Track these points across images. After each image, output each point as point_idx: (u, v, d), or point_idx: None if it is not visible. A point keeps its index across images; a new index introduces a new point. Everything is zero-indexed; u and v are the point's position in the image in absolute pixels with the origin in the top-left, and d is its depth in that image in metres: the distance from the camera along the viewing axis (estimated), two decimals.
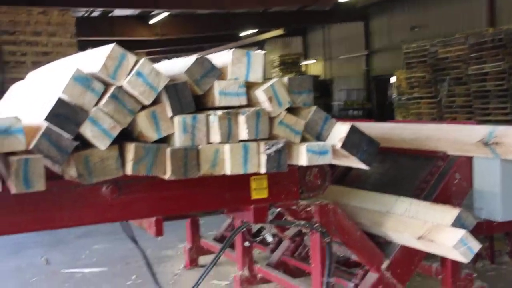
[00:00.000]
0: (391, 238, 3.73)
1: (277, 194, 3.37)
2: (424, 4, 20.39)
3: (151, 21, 20.81)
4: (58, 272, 5.48)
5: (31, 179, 2.37)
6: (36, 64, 12.14)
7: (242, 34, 26.05)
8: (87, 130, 2.50)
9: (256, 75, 2.97)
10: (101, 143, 2.53)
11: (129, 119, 2.61)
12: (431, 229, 3.42)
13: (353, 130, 3.08)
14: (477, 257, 5.08)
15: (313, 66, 28.56)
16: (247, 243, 4.49)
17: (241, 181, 3.23)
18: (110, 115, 2.55)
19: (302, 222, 3.55)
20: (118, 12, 20.47)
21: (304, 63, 27.94)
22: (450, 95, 13.35)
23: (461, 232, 3.26)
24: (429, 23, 20.15)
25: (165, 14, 19.63)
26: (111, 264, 5.64)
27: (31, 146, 2.39)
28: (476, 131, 3.82)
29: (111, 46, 2.57)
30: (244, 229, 4.37)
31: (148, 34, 21.54)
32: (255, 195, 3.31)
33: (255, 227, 4.83)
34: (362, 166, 3.17)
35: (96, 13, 20.87)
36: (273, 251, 4.84)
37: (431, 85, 14.00)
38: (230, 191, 3.25)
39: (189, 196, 3.16)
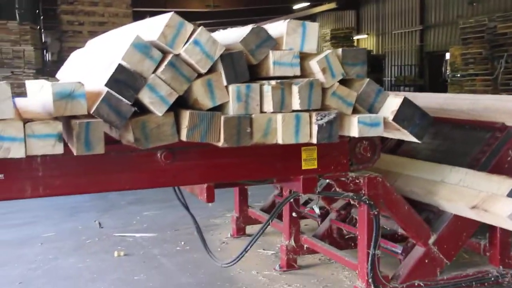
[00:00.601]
0: (444, 208, 3.73)
1: (326, 165, 3.42)
2: None
3: None
4: (111, 235, 5.69)
5: (92, 142, 2.48)
6: (93, 34, 12.42)
7: (295, 7, 25.80)
8: (145, 97, 2.59)
9: (311, 46, 2.99)
10: (158, 110, 2.62)
11: (185, 86, 2.68)
12: (485, 198, 3.40)
13: (405, 103, 3.08)
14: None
15: (365, 40, 28.07)
16: (294, 214, 4.54)
17: (292, 151, 3.30)
18: (167, 82, 2.63)
19: (351, 194, 3.58)
20: None
21: (356, 37, 27.49)
22: (507, 72, 12.93)
23: None
24: None
25: None
26: (160, 230, 5.81)
27: (92, 111, 2.51)
28: None
29: (169, 14, 2.64)
30: (292, 200, 4.45)
31: (201, 6, 21.67)
32: (305, 166, 3.37)
33: (302, 199, 4.90)
34: (414, 139, 3.17)
35: None
36: (320, 223, 4.90)
37: (487, 61, 13.58)
38: (281, 160, 3.32)
39: (241, 165, 3.24)
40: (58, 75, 4.59)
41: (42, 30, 13.80)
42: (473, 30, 14.05)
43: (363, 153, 3.55)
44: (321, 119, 2.90)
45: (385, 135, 3.27)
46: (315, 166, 3.38)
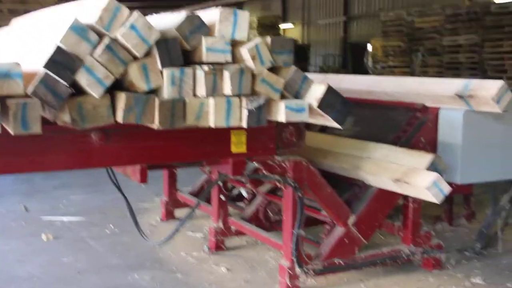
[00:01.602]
0: (370, 181, 4.01)
1: (254, 149, 3.59)
2: None
3: None
4: (38, 219, 5.64)
5: (29, 122, 2.53)
6: (13, 12, 12.03)
7: None
8: (83, 79, 2.66)
9: (242, 34, 3.15)
10: (95, 92, 2.70)
11: (122, 69, 2.77)
12: (407, 172, 3.71)
13: (329, 90, 3.29)
14: (436, 219, 5.42)
15: (291, 30, 28.50)
16: (222, 197, 4.69)
17: (222, 135, 3.44)
18: (104, 65, 2.71)
19: (277, 177, 3.77)
20: None
21: (282, 26, 27.85)
22: (423, 65, 13.61)
23: (434, 175, 3.56)
24: None
25: None
26: (88, 214, 5.81)
27: (29, 91, 2.54)
28: (454, 85, 4.05)
29: None
30: (221, 183, 4.61)
31: None
32: (234, 149, 3.53)
33: (230, 185, 5.06)
34: (336, 125, 3.39)
35: None
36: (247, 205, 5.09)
37: (405, 54, 14.23)
38: (212, 144, 3.46)
39: (173, 147, 3.35)
40: None
41: None
42: (393, 24, 14.65)
43: (289, 138, 3.73)
44: (251, 103, 3.08)
45: (310, 121, 3.47)
46: (244, 150, 3.54)
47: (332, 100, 3.33)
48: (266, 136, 3.63)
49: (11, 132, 2.53)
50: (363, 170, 3.98)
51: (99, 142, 3.06)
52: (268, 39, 3.26)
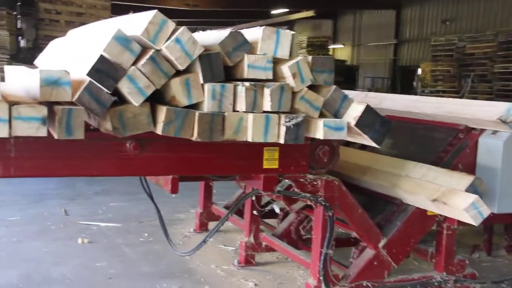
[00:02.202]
0: (407, 200, 3.97)
1: (287, 166, 3.61)
2: None
3: None
4: (76, 222, 5.79)
5: (72, 128, 2.64)
6: (70, 24, 12.47)
7: (273, 12, 26.05)
8: (124, 87, 2.76)
9: (283, 52, 3.21)
10: (136, 100, 2.79)
11: (163, 81, 2.86)
12: (445, 192, 3.65)
13: (368, 110, 3.30)
14: (474, 248, 5.29)
15: (340, 50, 28.50)
16: (255, 212, 4.72)
17: (255, 150, 3.48)
18: (146, 75, 2.80)
19: (308, 195, 3.77)
20: None
21: (332, 46, 27.88)
22: (472, 91, 13.37)
23: (473, 197, 3.50)
24: (462, 17, 19.99)
25: None
26: (125, 221, 5.93)
27: (75, 98, 2.66)
28: (496, 108, 4.00)
29: (153, 12, 2.82)
30: (254, 199, 4.63)
31: (180, 4, 21.71)
32: (266, 165, 3.56)
33: (264, 199, 5.08)
34: (373, 144, 3.39)
35: None
36: (279, 222, 5.10)
37: (455, 79, 14.02)
38: (244, 158, 3.50)
39: (206, 159, 3.40)
40: (36, 62, 4.69)
41: (19, 17, 13.72)
42: (443, 48, 14.48)
43: (322, 157, 3.75)
44: (289, 121, 3.11)
45: (348, 139, 3.48)
46: (276, 166, 3.57)
47: (371, 120, 3.33)
48: (299, 153, 3.64)
49: (55, 136, 2.65)
50: (401, 188, 3.95)
51: (133, 151, 3.14)
52: (310, 58, 3.30)
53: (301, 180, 3.76)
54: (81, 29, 4.59)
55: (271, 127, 3.11)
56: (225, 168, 3.53)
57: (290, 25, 31.68)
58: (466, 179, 3.74)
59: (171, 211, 6.34)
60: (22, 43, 13.21)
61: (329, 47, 26.85)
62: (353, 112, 3.33)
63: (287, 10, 25.18)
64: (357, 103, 3.39)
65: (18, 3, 14.23)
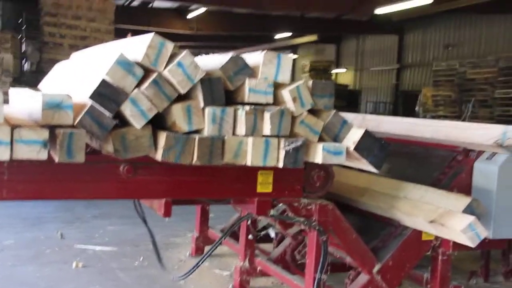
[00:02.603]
0: (405, 222, 3.96)
1: (281, 190, 3.60)
2: (460, 23, 20.35)
3: (188, 16, 21.17)
4: (72, 246, 5.77)
5: (73, 151, 2.66)
6: (73, 47, 12.58)
7: (277, 36, 26.25)
8: (127, 109, 2.78)
9: (284, 77, 3.24)
10: (138, 122, 2.82)
11: (165, 104, 2.88)
12: (443, 214, 3.65)
13: (366, 134, 3.32)
14: (471, 274, 5.25)
15: (343, 75, 28.64)
16: (250, 236, 4.70)
17: (249, 174, 3.48)
18: (149, 98, 2.83)
19: (302, 219, 3.76)
20: (157, 3, 20.89)
21: (335, 71, 28.02)
22: (473, 116, 13.38)
23: (470, 218, 3.50)
24: (464, 43, 20.12)
25: (203, 9, 19.96)
26: (121, 245, 5.91)
27: (76, 122, 2.68)
28: (491, 131, 4.01)
29: (150, 35, 2.85)
30: (249, 223, 4.62)
31: (184, 28, 21.93)
32: (260, 189, 3.55)
33: (260, 223, 5.06)
34: (372, 169, 3.39)
35: (136, 2, 21.32)
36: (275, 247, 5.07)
37: (456, 104, 14.05)
38: (238, 182, 3.49)
39: (199, 183, 3.40)
40: (40, 85, 4.73)
41: (23, 40, 13.88)
42: (445, 74, 14.54)
43: (317, 181, 3.74)
44: (289, 145, 3.12)
45: (347, 164, 3.49)
46: (270, 190, 3.56)
47: (370, 144, 3.36)
48: (294, 177, 3.64)
49: (56, 159, 2.66)
50: (399, 210, 3.94)
51: (126, 174, 3.15)
52: (310, 82, 3.33)
53: (295, 204, 3.75)
54: (83, 52, 4.64)
55: (270, 151, 3.12)
56: (218, 192, 3.52)
57: (293, 49, 31.91)
58: (463, 201, 3.74)
59: (168, 235, 6.31)
60: (26, 66, 13.33)
61: (332, 71, 26.98)
62: (353, 136, 3.35)
63: (290, 34, 25.36)
64: (356, 128, 3.41)
65: (23, 27, 14.41)
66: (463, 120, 13.45)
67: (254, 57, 3.25)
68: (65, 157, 2.64)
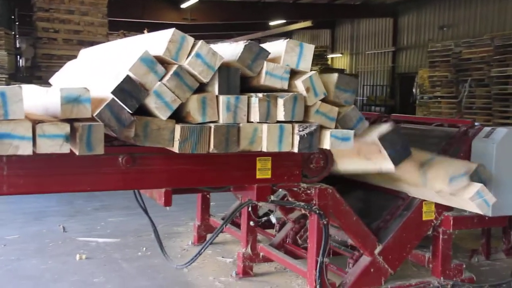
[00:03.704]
0: (412, 193, 4.00)
1: (280, 175, 3.62)
2: (455, 3, 20.28)
3: (183, 5, 21.06)
4: (74, 239, 5.80)
5: (93, 143, 2.70)
6: (68, 42, 12.56)
7: (271, 23, 26.16)
8: (152, 102, 2.83)
9: (306, 65, 3.27)
10: (163, 114, 2.86)
11: (188, 94, 2.93)
12: None
13: (395, 130, 3.39)
14: (473, 252, 5.28)
15: (339, 59, 28.57)
16: (252, 223, 4.73)
17: (248, 161, 3.50)
18: (172, 90, 2.87)
19: (302, 204, 3.78)
20: None
21: (330, 56, 27.96)
22: (470, 96, 13.37)
23: (477, 186, 3.53)
24: (459, 23, 20.05)
25: None
26: (124, 236, 5.94)
27: (95, 114, 2.71)
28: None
29: (171, 30, 2.89)
30: (250, 210, 4.65)
31: (178, 18, 21.80)
32: (259, 175, 3.57)
33: (262, 210, 5.08)
34: (388, 166, 3.40)
35: None
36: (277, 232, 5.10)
37: (452, 85, 14.01)
38: (237, 169, 3.52)
39: (198, 171, 3.42)
40: (52, 81, 4.73)
41: (17, 36, 13.82)
42: (440, 54, 14.48)
43: (316, 165, 3.76)
44: (303, 130, 3.15)
45: (362, 166, 3.55)
46: (269, 176, 3.58)
47: (395, 139, 3.42)
48: (292, 163, 3.66)
49: (77, 152, 2.69)
50: (405, 182, 3.95)
51: (125, 165, 3.16)
52: (335, 76, 3.35)
53: (295, 189, 3.77)
54: (93, 49, 4.64)
55: (285, 137, 3.15)
56: (218, 179, 3.54)
57: (288, 35, 31.80)
58: (469, 167, 3.75)
59: (170, 224, 6.35)
60: (21, 62, 13.29)
61: (327, 56, 26.92)
62: (381, 128, 3.40)
63: (285, 21, 25.26)
64: (386, 124, 3.48)
65: (17, 23, 14.35)
66: (460, 100, 13.45)
67: (275, 46, 3.27)
68: (85, 150, 2.68)
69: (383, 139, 3.35)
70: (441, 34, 20.77)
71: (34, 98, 3.23)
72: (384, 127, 3.41)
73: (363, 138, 3.51)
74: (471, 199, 3.48)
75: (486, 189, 3.53)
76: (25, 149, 2.59)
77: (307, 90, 3.18)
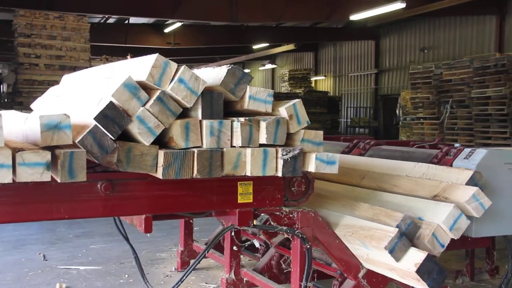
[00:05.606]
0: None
1: (262, 199, 3.59)
2: (435, 26, 20.61)
3: (166, 30, 21.15)
4: (55, 268, 5.68)
5: (75, 170, 2.65)
6: (49, 67, 12.51)
7: (255, 47, 26.35)
8: (135, 127, 2.81)
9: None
10: (146, 139, 2.84)
11: (172, 120, 2.91)
12: (445, 188, 3.71)
13: (428, 258, 3.36)
14: (457, 273, 5.26)
15: (322, 82, 28.80)
16: (235, 248, 4.67)
17: (229, 186, 3.46)
18: (155, 115, 2.85)
19: (284, 228, 3.75)
20: (133, 20, 20.86)
21: (314, 78, 28.17)
22: (452, 117, 13.50)
23: (473, 189, 3.55)
24: (439, 45, 20.38)
25: (179, 24, 19.96)
26: (105, 263, 5.83)
27: (77, 140, 2.67)
28: None
29: (154, 56, 2.88)
30: (233, 234, 4.60)
31: (161, 43, 21.92)
32: (241, 199, 3.54)
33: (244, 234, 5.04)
34: None
35: (112, 20, 21.27)
36: (260, 257, 5.04)
37: (434, 106, 14.16)
38: (218, 194, 3.47)
39: (179, 197, 3.37)
40: (33, 107, 4.68)
41: None
42: (421, 76, 14.66)
43: (298, 189, 3.74)
44: (286, 154, 3.15)
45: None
46: (251, 200, 3.55)
47: (430, 267, 3.40)
48: (274, 187, 3.63)
49: (58, 180, 2.63)
50: (402, 188, 3.95)
51: (104, 191, 3.11)
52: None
53: (277, 213, 3.74)
54: (76, 74, 4.61)
55: (269, 161, 3.15)
56: (199, 205, 3.50)
57: (272, 59, 32.03)
58: (465, 173, 3.78)
59: (154, 251, 6.25)
60: (2, 88, 13.21)
61: (311, 79, 27.12)
62: (414, 258, 3.38)
63: (268, 44, 25.47)
64: (417, 250, 3.43)
65: None
66: (442, 121, 13.57)
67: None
68: (67, 177, 2.63)
69: (419, 270, 3.33)
70: (422, 56, 21.07)
71: (15, 125, 3.19)
72: (418, 257, 3.35)
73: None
74: (467, 202, 3.49)
75: (481, 192, 3.54)
76: (5, 177, 2.53)
77: (290, 117, 3.19)
